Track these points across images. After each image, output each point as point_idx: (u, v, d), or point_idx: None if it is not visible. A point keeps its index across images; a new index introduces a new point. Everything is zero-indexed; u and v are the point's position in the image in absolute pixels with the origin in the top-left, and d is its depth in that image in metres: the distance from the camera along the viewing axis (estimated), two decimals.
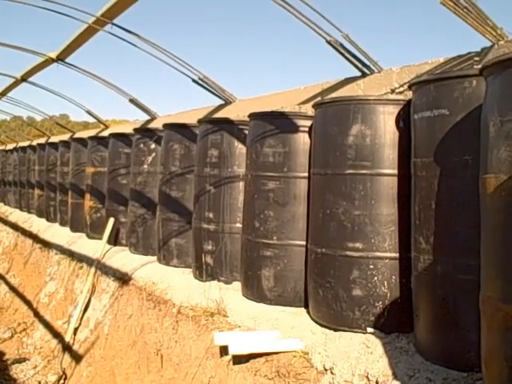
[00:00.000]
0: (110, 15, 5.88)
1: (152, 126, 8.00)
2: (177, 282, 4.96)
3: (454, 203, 2.77)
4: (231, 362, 3.60)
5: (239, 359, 3.53)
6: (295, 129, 4.06)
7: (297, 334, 3.50)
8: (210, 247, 4.82)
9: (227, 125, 4.87)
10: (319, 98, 4.84)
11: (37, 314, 7.75)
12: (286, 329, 3.60)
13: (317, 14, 4.35)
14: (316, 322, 3.62)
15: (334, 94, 4.79)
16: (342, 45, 4.54)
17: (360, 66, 4.59)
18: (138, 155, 6.37)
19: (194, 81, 6.49)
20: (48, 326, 7.18)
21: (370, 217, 3.35)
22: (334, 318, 3.44)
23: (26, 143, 14.98)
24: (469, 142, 2.63)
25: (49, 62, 8.12)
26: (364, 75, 4.63)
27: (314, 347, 3.26)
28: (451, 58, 3.93)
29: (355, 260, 3.36)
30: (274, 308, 4.02)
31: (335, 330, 3.42)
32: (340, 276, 3.41)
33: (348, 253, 3.37)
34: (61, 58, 7.90)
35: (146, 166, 6.25)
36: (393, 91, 4.30)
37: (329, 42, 4.54)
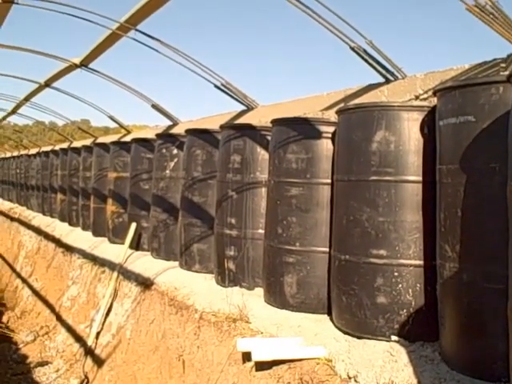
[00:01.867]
0: (133, 21, 5.93)
1: (174, 131, 8.04)
2: (199, 288, 4.96)
3: (480, 210, 2.74)
4: (254, 369, 3.59)
5: (262, 366, 3.52)
6: (318, 135, 4.05)
7: (320, 341, 3.48)
8: (232, 253, 4.82)
9: (250, 130, 4.88)
10: (342, 105, 4.83)
11: (59, 318, 7.80)
12: (309, 336, 3.58)
13: (341, 21, 4.35)
14: (339, 330, 3.60)
15: (357, 101, 4.77)
16: (365, 51, 4.53)
17: (384, 72, 4.57)
18: (161, 160, 6.39)
19: (216, 86, 6.51)
20: (70, 329, 7.22)
21: (394, 224, 3.32)
22: (358, 325, 3.42)
23: (48, 148, 15.12)
24: (495, 149, 2.61)
25: (72, 67, 8.20)
26: (388, 81, 4.61)
27: (338, 355, 3.24)
28: (477, 65, 3.90)
29: (379, 267, 3.34)
30: (297, 315, 4.01)
31: (359, 338, 3.39)
32: (364, 283, 3.39)
33: (372, 260, 3.35)
34: (84, 64, 7.98)
35: (168, 172, 6.28)
36: (417, 98, 4.27)
37: (353, 49, 4.53)
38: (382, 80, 4.67)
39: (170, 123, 8.84)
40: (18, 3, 5.91)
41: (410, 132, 3.35)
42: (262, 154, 4.75)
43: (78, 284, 7.83)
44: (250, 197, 4.76)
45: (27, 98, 12.03)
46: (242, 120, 6.53)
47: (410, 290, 3.30)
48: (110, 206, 7.86)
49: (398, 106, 3.45)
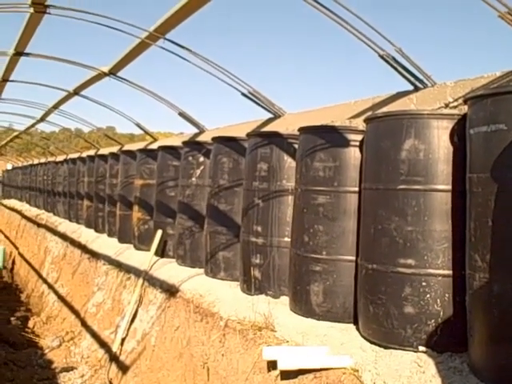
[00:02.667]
0: (162, 30, 5.98)
1: (200, 139, 8.07)
2: (224, 295, 4.96)
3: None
4: (279, 378, 3.57)
5: (287, 375, 3.50)
6: (346, 143, 4.04)
7: (346, 350, 3.46)
8: (257, 261, 4.81)
9: (277, 138, 4.87)
10: (370, 113, 4.81)
11: (84, 324, 7.85)
12: (335, 345, 3.56)
13: (370, 28, 4.34)
14: (366, 339, 3.57)
15: (385, 109, 4.75)
16: (394, 59, 4.51)
17: (413, 79, 4.54)
18: (187, 168, 6.42)
19: (243, 94, 6.53)
20: (95, 335, 7.26)
21: (422, 233, 3.29)
22: (385, 335, 3.38)
23: (75, 155, 15.29)
24: None
25: (101, 75, 8.30)
26: (417, 89, 4.58)
27: (364, 364, 3.21)
28: (508, 72, 3.85)
29: (407, 277, 3.30)
30: (323, 323, 3.98)
31: (386, 348, 3.36)
32: (391, 293, 3.35)
33: (400, 269, 3.32)
34: (113, 72, 8.07)
35: (194, 179, 6.30)
36: (447, 106, 4.24)
37: (381, 56, 4.52)
38: (410, 88, 4.64)
39: (196, 131, 8.88)
40: (49, 13, 6.00)
41: (440, 140, 3.31)
42: (289, 162, 4.74)
43: (103, 290, 7.88)
44: (276, 205, 4.75)
45: (56, 106, 12.19)
46: (268, 128, 6.53)
47: (439, 300, 3.25)
48: (136, 213, 7.90)
49: (428, 114, 3.42)
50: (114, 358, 6.26)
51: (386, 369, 3.11)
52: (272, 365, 3.63)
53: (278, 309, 4.34)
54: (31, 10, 5.93)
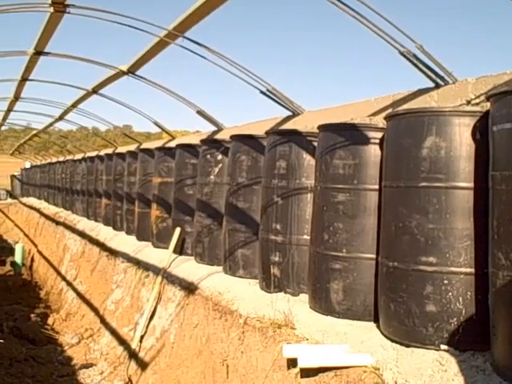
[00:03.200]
0: (181, 28, 5.99)
1: (218, 137, 8.08)
2: (243, 293, 4.96)
3: None
4: (299, 375, 3.57)
5: (307, 372, 3.50)
6: (366, 141, 4.02)
7: (367, 348, 3.45)
8: (276, 259, 4.81)
9: (296, 136, 4.87)
10: (390, 110, 4.78)
11: (103, 321, 7.90)
12: (355, 343, 3.55)
13: (390, 25, 4.31)
14: (386, 337, 3.56)
15: (405, 106, 4.72)
16: (415, 55, 4.48)
17: (434, 76, 4.51)
18: (205, 166, 6.43)
19: (262, 92, 6.52)
20: (114, 332, 7.31)
21: (444, 231, 3.27)
22: (406, 333, 3.37)
23: (93, 153, 15.39)
24: None
25: (120, 74, 8.34)
26: (438, 86, 4.55)
27: (385, 363, 3.20)
28: None
29: (429, 275, 3.29)
30: (343, 321, 3.97)
31: (407, 346, 3.34)
32: (413, 291, 3.34)
33: (421, 267, 3.30)
34: (131, 71, 8.10)
35: (212, 177, 6.31)
36: (468, 102, 4.20)
37: (402, 53, 4.49)
38: (431, 85, 4.61)
39: (213, 129, 8.89)
40: (69, 13, 6.04)
41: (462, 137, 3.29)
42: (308, 160, 4.74)
43: (122, 288, 7.93)
44: (295, 202, 4.75)
45: (74, 105, 12.28)
46: (287, 126, 6.52)
47: (461, 299, 3.23)
48: (155, 211, 7.93)
49: (449, 112, 3.40)
50: (133, 354, 6.30)
51: (408, 367, 3.09)
52: (292, 362, 3.63)
53: (297, 306, 4.34)
54: (51, 9, 5.97)
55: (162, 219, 7.78)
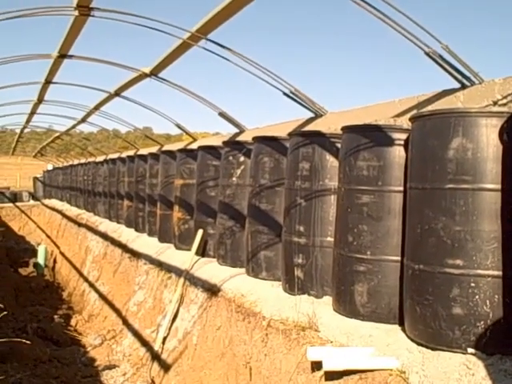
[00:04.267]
0: (204, 30, 6.00)
1: (240, 138, 8.09)
2: (266, 295, 4.96)
3: None
4: (323, 378, 3.56)
5: (332, 375, 3.48)
6: (390, 142, 4.00)
7: (392, 351, 3.42)
8: (300, 261, 4.79)
9: (319, 138, 4.85)
10: (414, 111, 4.75)
11: (126, 322, 7.94)
12: (380, 346, 3.52)
13: (415, 25, 4.28)
14: (412, 340, 3.52)
15: (430, 107, 4.68)
16: (441, 56, 4.44)
17: (460, 77, 4.46)
18: (227, 168, 6.43)
19: (284, 94, 6.51)
20: (137, 334, 7.34)
21: (471, 233, 3.23)
22: (432, 336, 3.33)
23: (115, 155, 15.48)
24: None
25: (142, 76, 8.39)
26: (464, 87, 4.50)
27: (411, 366, 3.17)
28: None
29: (455, 277, 3.25)
30: (367, 324, 3.94)
31: (433, 349, 3.31)
32: (439, 294, 3.30)
33: (448, 270, 3.27)
34: (154, 73, 8.14)
35: (234, 179, 6.31)
36: (495, 103, 4.15)
37: (427, 54, 4.45)
38: (457, 85, 4.57)
39: (234, 131, 8.90)
40: (94, 16, 6.09)
41: (489, 139, 3.25)
42: (331, 162, 4.72)
43: (144, 289, 7.96)
44: (318, 204, 4.73)
45: (97, 107, 12.37)
46: (310, 127, 6.50)
47: (488, 302, 3.19)
48: (177, 213, 7.96)
49: (476, 112, 3.36)
50: (155, 356, 6.32)
51: (434, 371, 3.07)
52: (316, 365, 3.62)
53: (321, 309, 4.32)
54: (76, 12, 6.03)
55: (184, 221, 7.80)
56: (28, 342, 5.29)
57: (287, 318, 4.29)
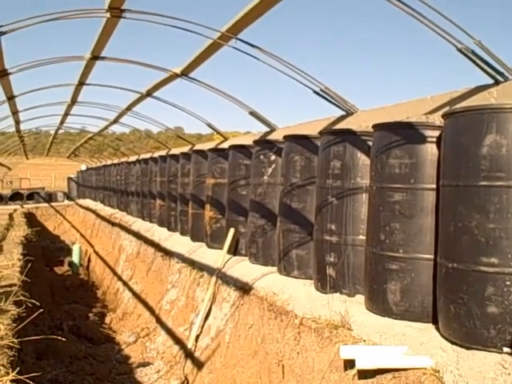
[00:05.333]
0: (234, 30, 6.03)
1: (271, 137, 8.09)
2: (298, 294, 4.96)
3: None
4: (356, 377, 3.55)
5: (365, 374, 3.47)
6: (423, 139, 3.96)
7: (426, 350, 3.40)
8: (332, 259, 4.79)
9: (350, 136, 4.84)
10: (447, 108, 4.69)
11: (159, 320, 8.02)
12: (413, 345, 3.50)
13: (447, 22, 4.24)
14: (446, 339, 3.49)
15: (463, 104, 4.62)
16: (473, 52, 4.38)
17: (493, 73, 4.40)
18: (258, 166, 6.45)
19: (315, 92, 6.50)
20: (170, 332, 7.41)
21: (506, 231, 3.19)
22: (467, 335, 3.30)
23: (147, 155, 15.61)
24: None
25: (173, 77, 8.45)
26: (497, 82, 4.44)
27: (446, 365, 3.15)
28: None
29: (490, 276, 3.21)
30: (400, 323, 3.92)
31: (467, 349, 3.28)
32: (473, 292, 3.27)
33: (482, 268, 3.23)
34: (185, 74, 8.20)
35: (265, 178, 6.32)
36: None
37: (460, 50, 4.40)
38: (490, 81, 4.50)
39: (265, 129, 8.90)
40: (125, 17, 6.16)
41: None
42: (363, 160, 4.70)
43: (177, 288, 8.03)
44: (350, 202, 4.72)
45: (129, 108, 12.50)
46: (340, 125, 6.47)
47: None
48: (208, 212, 8.00)
49: (510, 108, 3.30)
50: (188, 354, 6.37)
51: (469, 370, 3.04)
52: (349, 364, 3.61)
53: (353, 307, 4.31)
54: (108, 14, 6.11)
55: (216, 220, 7.84)
56: (64, 339, 5.37)
57: (319, 316, 4.29)
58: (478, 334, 3.24)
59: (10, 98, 10.69)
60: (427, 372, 3.16)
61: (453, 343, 3.40)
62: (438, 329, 3.66)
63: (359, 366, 3.38)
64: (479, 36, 4.26)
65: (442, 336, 3.55)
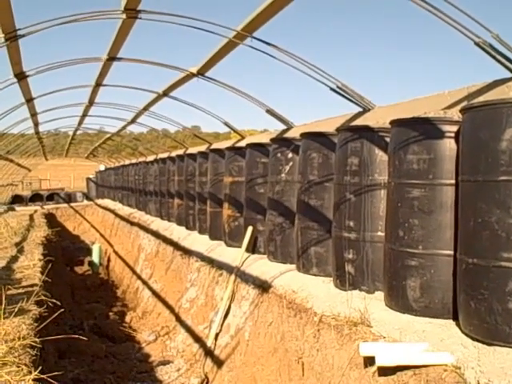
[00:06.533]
0: (250, 29, 6.03)
1: (288, 135, 8.08)
2: (317, 291, 4.95)
3: None
4: (376, 374, 3.53)
5: (385, 371, 3.45)
6: (441, 134, 3.94)
7: (446, 347, 3.37)
8: (350, 256, 4.78)
9: (367, 132, 4.82)
10: (465, 103, 4.65)
11: (178, 319, 8.05)
12: (434, 341, 3.48)
13: (464, 15, 4.20)
14: (467, 336, 3.47)
15: (481, 98, 4.58)
16: (491, 45, 4.34)
17: (511, 66, 4.36)
18: (276, 164, 6.44)
19: (332, 89, 6.48)
20: (189, 330, 7.43)
21: None
22: (488, 331, 3.28)
23: (165, 155, 15.67)
24: None
25: (189, 76, 8.47)
26: None
27: (467, 362, 3.12)
28: None
29: (511, 271, 3.18)
30: (420, 319, 3.91)
31: (489, 345, 3.25)
32: (494, 288, 3.24)
33: (503, 263, 3.20)
34: (201, 73, 8.21)
35: (283, 175, 6.32)
36: None
37: (477, 44, 4.36)
38: (508, 75, 4.45)
39: (281, 127, 8.89)
40: (141, 18, 6.19)
41: None
42: (380, 156, 4.68)
43: (196, 286, 8.05)
44: (368, 199, 4.70)
45: (146, 108, 12.56)
46: (358, 122, 6.45)
47: None
48: (226, 210, 8.01)
49: None
50: (208, 352, 6.39)
51: (491, 366, 3.01)
52: (369, 361, 3.59)
53: (372, 304, 4.29)
54: (124, 16, 6.14)
55: (234, 218, 7.85)
56: (85, 338, 5.42)
57: (339, 313, 4.28)
58: (500, 330, 3.21)
59: (29, 100, 10.79)
60: (448, 369, 3.13)
61: (474, 339, 3.38)
62: (458, 325, 3.64)
63: (379, 362, 3.36)
64: (497, 29, 4.22)
65: (463, 332, 3.52)
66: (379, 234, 4.60)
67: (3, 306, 4.21)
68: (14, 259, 7.29)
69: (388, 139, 4.48)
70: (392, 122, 4.37)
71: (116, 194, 21.11)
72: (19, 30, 6.19)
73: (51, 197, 25.61)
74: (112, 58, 8.11)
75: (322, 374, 4.23)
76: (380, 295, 4.49)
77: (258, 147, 7.26)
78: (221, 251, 7.84)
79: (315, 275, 5.48)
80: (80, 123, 16.80)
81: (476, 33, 4.33)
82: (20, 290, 5.26)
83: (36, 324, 4.22)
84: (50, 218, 18.35)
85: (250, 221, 7.20)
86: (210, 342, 6.42)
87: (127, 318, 9.45)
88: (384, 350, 3.43)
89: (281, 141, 6.73)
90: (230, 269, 6.86)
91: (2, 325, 4.02)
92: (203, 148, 12.25)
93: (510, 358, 3.06)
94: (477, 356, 3.17)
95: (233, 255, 7.13)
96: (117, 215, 17.70)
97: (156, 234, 11.84)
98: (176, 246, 9.88)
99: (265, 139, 7.81)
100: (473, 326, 3.39)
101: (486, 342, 3.28)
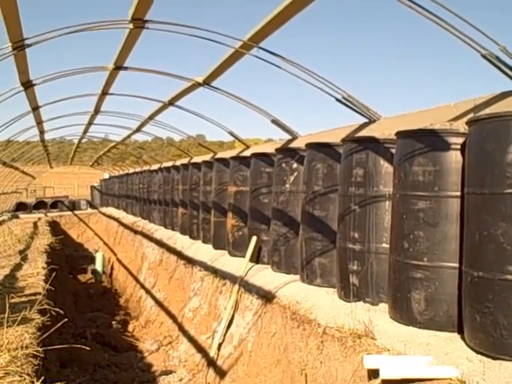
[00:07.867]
0: (256, 39, 6.03)
1: (293, 145, 8.07)
2: (321, 302, 4.93)
3: None
4: None
5: None
6: (446, 146, 3.93)
7: (451, 360, 3.35)
8: (355, 267, 4.76)
9: (372, 143, 4.81)
10: (471, 115, 4.63)
11: (181, 328, 8.03)
12: (438, 354, 3.46)
13: (471, 27, 4.20)
14: (472, 349, 3.45)
15: (487, 110, 4.57)
16: (498, 58, 4.33)
17: None
18: (280, 174, 6.44)
19: (337, 100, 6.47)
20: (192, 340, 7.41)
21: None
22: (493, 345, 3.26)
23: (169, 163, 15.68)
24: None
25: (195, 86, 8.47)
26: None
27: (472, 376, 3.10)
28: None
29: None
30: (425, 332, 3.89)
31: (494, 359, 3.23)
32: (500, 301, 3.23)
33: (509, 277, 3.19)
34: (207, 82, 8.22)
35: (288, 186, 6.31)
36: None
37: (484, 56, 4.35)
38: None
39: (287, 137, 8.87)
40: (148, 28, 6.20)
41: None
42: (386, 167, 4.67)
43: (199, 296, 8.03)
44: (373, 210, 4.69)
45: (151, 117, 12.57)
46: (363, 133, 6.44)
47: None
48: (230, 220, 8.01)
49: None
50: (211, 362, 6.36)
51: (496, 381, 2.99)
52: (373, 373, 3.57)
53: (377, 316, 4.28)
54: (131, 25, 6.15)
55: (238, 228, 7.84)
56: (87, 347, 5.40)
57: (343, 325, 4.26)
58: (505, 344, 3.19)
59: (35, 108, 10.81)
60: (453, 382, 3.11)
61: (479, 353, 3.36)
62: (463, 338, 3.62)
63: (383, 375, 3.35)
64: (504, 42, 4.22)
65: (468, 346, 3.50)
66: (384, 245, 4.59)
67: (6, 314, 4.21)
68: (18, 267, 7.29)
69: (393, 150, 4.47)
70: (398, 134, 4.37)
71: (120, 202, 21.12)
72: (27, 39, 6.22)
73: (55, 204, 25.65)
74: (118, 67, 8.12)
75: None
76: (384, 307, 4.47)
77: (263, 157, 7.26)
78: (224, 261, 7.82)
79: (319, 286, 5.46)
80: (85, 131, 16.82)
81: (483, 45, 4.33)
82: (23, 299, 5.25)
83: (39, 333, 4.21)
84: (54, 226, 18.37)
85: (254, 231, 7.19)
86: (212, 352, 6.39)
87: (130, 327, 9.44)
88: (388, 363, 3.41)
89: (286, 151, 6.74)
90: (233, 278, 6.84)
91: (5, 334, 4.01)
92: (208, 157, 12.25)
93: None
94: (482, 370, 3.15)
95: (236, 265, 7.11)
96: (121, 223, 17.70)
97: (160, 243, 11.83)
98: (180, 255, 9.86)
99: (269, 149, 7.80)
100: (478, 340, 3.37)
101: (492, 355, 3.26)
